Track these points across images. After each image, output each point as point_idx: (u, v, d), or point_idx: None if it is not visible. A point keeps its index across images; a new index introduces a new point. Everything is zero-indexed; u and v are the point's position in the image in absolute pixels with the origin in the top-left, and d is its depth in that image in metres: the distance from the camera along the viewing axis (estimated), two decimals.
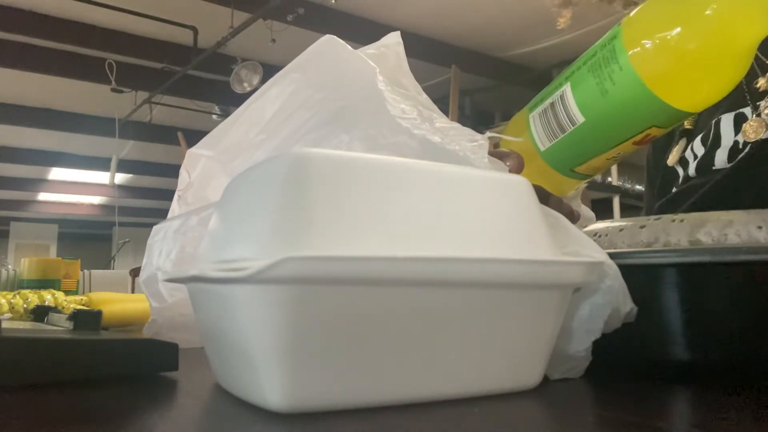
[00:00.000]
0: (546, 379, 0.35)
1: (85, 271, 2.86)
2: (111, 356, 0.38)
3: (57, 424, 0.28)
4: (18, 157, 7.08)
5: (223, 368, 0.34)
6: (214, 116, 5.42)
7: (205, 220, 0.49)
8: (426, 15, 4.17)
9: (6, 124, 5.81)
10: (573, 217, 0.52)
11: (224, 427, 0.28)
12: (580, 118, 0.46)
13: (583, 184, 0.53)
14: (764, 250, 0.33)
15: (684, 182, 0.74)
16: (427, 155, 0.37)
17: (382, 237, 0.29)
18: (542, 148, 0.49)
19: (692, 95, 0.43)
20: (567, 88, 0.46)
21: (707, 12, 0.40)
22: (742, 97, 0.68)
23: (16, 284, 1.22)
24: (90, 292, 0.87)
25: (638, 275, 0.36)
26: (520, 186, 0.35)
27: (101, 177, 7.61)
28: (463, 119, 4.87)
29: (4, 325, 0.40)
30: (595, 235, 0.41)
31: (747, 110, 0.68)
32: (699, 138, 0.72)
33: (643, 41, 0.42)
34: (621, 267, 0.35)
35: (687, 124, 0.75)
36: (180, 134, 3.96)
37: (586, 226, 0.43)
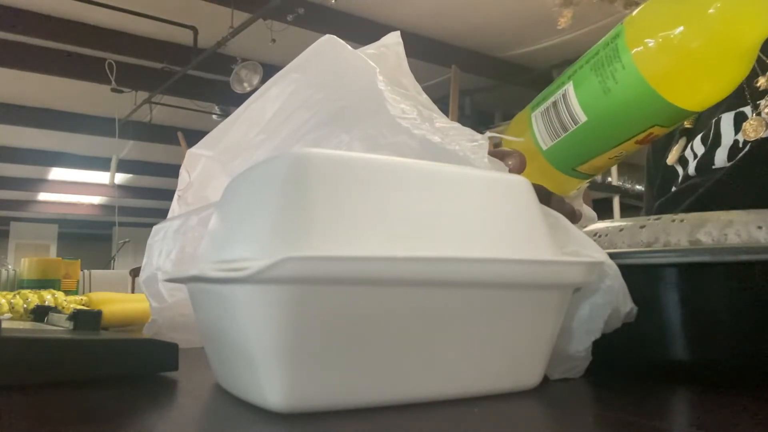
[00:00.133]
0: (546, 379, 0.35)
1: (85, 271, 2.86)
2: (111, 356, 0.38)
3: (57, 424, 0.28)
4: (18, 157, 7.08)
5: (223, 368, 0.34)
6: (214, 116, 5.42)
7: (205, 220, 0.49)
8: (426, 15, 4.17)
9: (6, 124, 5.81)
10: (574, 216, 0.52)
11: (224, 427, 0.28)
12: (582, 117, 0.45)
13: (585, 184, 0.53)
14: (764, 250, 0.33)
15: (684, 181, 0.74)
16: (427, 155, 0.37)
17: (382, 237, 0.29)
18: (544, 147, 0.49)
19: (695, 94, 0.43)
20: (569, 87, 0.46)
21: (710, 11, 0.40)
22: (742, 96, 0.68)
23: (16, 284, 1.22)
24: (90, 292, 0.87)
25: (638, 275, 0.36)
26: (520, 186, 0.35)
27: (101, 177, 7.61)
28: (463, 119, 4.85)
29: (4, 325, 0.40)
30: (595, 235, 0.41)
31: (747, 109, 0.68)
32: (699, 137, 0.72)
33: (646, 40, 0.42)
34: (621, 267, 0.35)
35: (687, 124, 0.75)
36: (180, 134, 3.96)
37: (587, 226, 0.43)
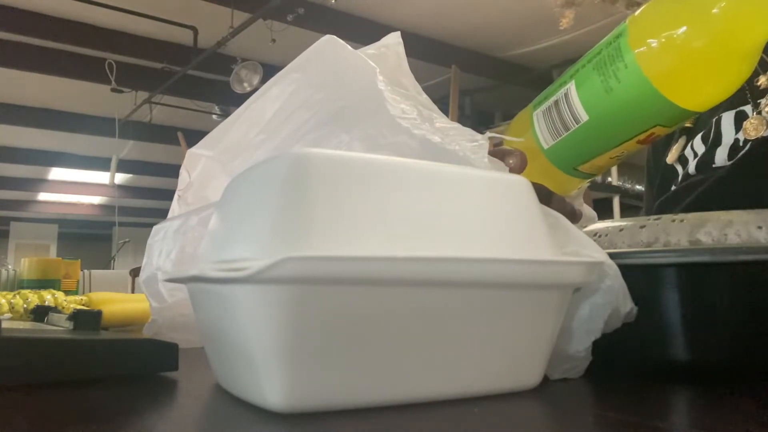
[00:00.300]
0: (546, 379, 0.35)
1: (85, 271, 2.87)
2: (111, 356, 0.38)
3: (57, 424, 0.28)
4: (18, 157, 7.09)
5: (223, 368, 0.34)
6: (214, 116, 5.42)
7: (205, 220, 0.49)
8: (426, 15, 4.17)
9: (6, 124, 5.81)
10: (575, 216, 0.52)
11: (224, 427, 0.28)
12: (584, 116, 0.45)
13: (586, 183, 0.53)
14: (764, 250, 0.33)
15: (683, 180, 0.74)
16: (427, 155, 0.37)
17: (382, 237, 0.29)
18: (545, 146, 0.49)
19: (697, 94, 0.43)
20: (571, 86, 0.46)
21: (714, 11, 0.40)
22: (742, 95, 0.68)
23: (16, 284, 1.22)
24: (90, 292, 0.87)
25: (638, 275, 0.36)
26: (520, 186, 0.35)
27: (101, 177, 7.61)
28: (463, 119, 4.87)
29: (4, 325, 0.40)
30: (595, 235, 0.41)
31: (748, 108, 0.68)
32: (699, 136, 0.72)
33: (648, 39, 0.42)
34: (621, 267, 0.35)
35: (687, 123, 0.75)
36: (180, 134, 3.96)
37: (588, 226, 0.43)
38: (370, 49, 0.45)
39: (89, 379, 0.37)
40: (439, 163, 0.33)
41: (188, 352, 0.41)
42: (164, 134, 5.93)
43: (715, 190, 0.67)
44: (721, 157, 0.68)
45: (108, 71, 4.57)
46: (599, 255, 0.35)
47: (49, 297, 0.78)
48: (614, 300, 0.35)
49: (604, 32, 0.46)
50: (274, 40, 3.84)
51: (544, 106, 0.49)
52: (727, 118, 0.69)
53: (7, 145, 6.89)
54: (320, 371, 0.28)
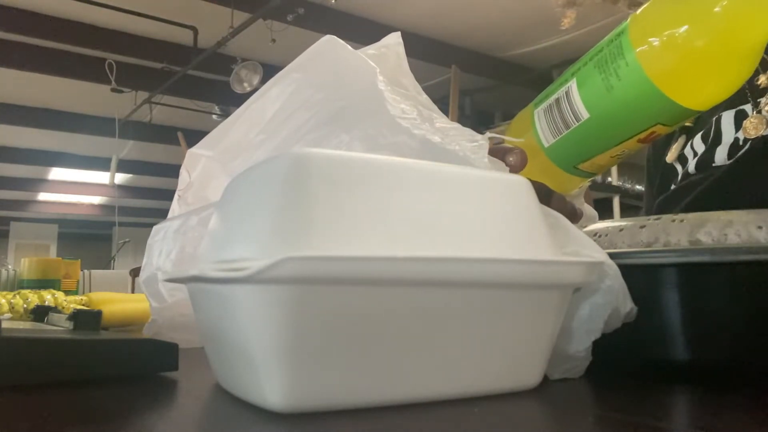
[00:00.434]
0: (546, 379, 0.35)
1: (85, 271, 2.87)
2: (111, 356, 0.38)
3: (57, 424, 0.28)
4: (18, 157, 7.09)
5: (223, 368, 0.34)
6: (214, 116, 5.42)
7: (205, 220, 0.49)
8: (426, 15, 4.17)
9: (6, 124, 5.81)
10: (575, 215, 0.52)
11: (224, 427, 0.28)
12: (584, 114, 0.45)
13: (587, 183, 0.53)
14: (764, 250, 0.33)
15: (683, 179, 0.74)
16: (427, 155, 0.37)
17: (382, 237, 0.29)
18: (546, 145, 0.49)
19: (698, 93, 0.43)
20: (573, 84, 0.46)
21: (716, 9, 0.40)
22: (742, 94, 0.68)
23: (16, 284, 1.22)
24: (90, 292, 0.87)
25: (638, 275, 0.36)
26: (520, 186, 0.35)
27: (101, 177, 7.61)
28: (463, 119, 4.87)
29: (4, 325, 0.40)
30: (595, 235, 0.41)
31: (748, 107, 0.68)
32: (699, 135, 0.72)
33: (650, 38, 0.42)
34: (621, 267, 0.35)
35: (687, 122, 0.75)
36: (180, 134, 3.97)
37: (588, 225, 0.43)
38: (371, 49, 0.45)
39: (89, 379, 0.37)
40: (439, 163, 0.33)
41: (188, 352, 0.41)
42: (164, 134, 5.94)
43: (715, 189, 0.67)
44: (720, 156, 0.68)
45: (108, 71, 4.57)
46: (599, 255, 0.35)
47: (49, 297, 0.78)
48: (614, 300, 0.35)
49: (604, 32, 0.46)
50: (274, 40, 3.84)
51: (545, 104, 0.49)
52: (727, 117, 0.69)
53: (7, 145, 6.89)
54: (320, 371, 0.28)
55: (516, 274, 0.31)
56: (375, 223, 0.29)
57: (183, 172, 0.53)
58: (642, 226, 0.39)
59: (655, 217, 0.39)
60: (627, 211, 5.23)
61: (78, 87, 5.08)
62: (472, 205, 0.32)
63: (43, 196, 9.45)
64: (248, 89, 4.23)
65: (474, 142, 0.38)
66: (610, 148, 0.47)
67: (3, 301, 0.73)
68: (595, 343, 0.35)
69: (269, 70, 4.09)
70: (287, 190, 0.29)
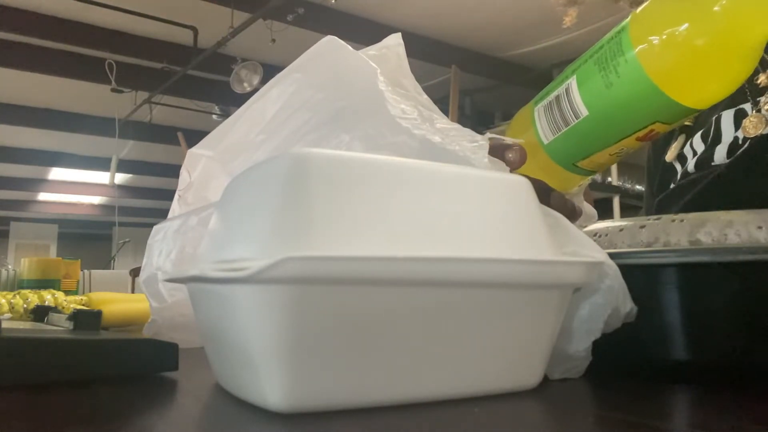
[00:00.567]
0: (546, 379, 0.35)
1: (85, 271, 2.86)
2: (111, 356, 0.38)
3: (57, 424, 0.28)
4: (18, 157, 7.08)
5: (223, 368, 0.34)
6: (214, 116, 5.42)
7: (205, 220, 0.49)
8: (426, 15, 4.17)
9: (6, 124, 5.81)
10: (575, 213, 0.51)
11: (224, 427, 0.28)
12: (584, 111, 0.45)
13: (587, 181, 0.53)
14: (764, 250, 0.33)
15: (682, 178, 0.74)
16: (427, 155, 0.37)
17: (382, 237, 0.29)
18: (545, 142, 0.49)
19: (698, 92, 0.43)
20: (572, 81, 0.46)
21: (715, 8, 0.40)
22: (742, 93, 0.68)
23: (16, 284, 1.22)
24: (90, 292, 0.87)
25: (638, 275, 0.36)
26: (520, 186, 0.35)
27: (101, 177, 7.61)
28: (463, 119, 4.87)
29: (4, 325, 0.40)
30: (595, 235, 0.41)
31: (747, 106, 0.68)
32: (699, 134, 0.72)
33: (650, 36, 0.42)
34: (621, 267, 0.35)
35: (687, 121, 0.75)
36: (180, 134, 3.96)
37: (588, 224, 0.43)
38: (371, 50, 0.45)
39: (89, 379, 0.37)
40: (439, 163, 0.33)
41: (188, 352, 0.41)
42: (164, 134, 5.93)
43: (714, 188, 0.67)
44: (720, 155, 0.69)
45: (108, 71, 4.56)
46: (599, 255, 0.35)
47: (49, 297, 0.78)
48: (614, 300, 0.35)
49: (604, 31, 0.46)
50: (274, 40, 3.83)
51: (545, 102, 0.49)
52: (727, 117, 0.69)
53: (7, 145, 6.88)
54: (320, 371, 0.28)
55: (516, 274, 0.31)
56: (375, 223, 0.29)
57: (183, 172, 0.53)
58: (642, 226, 0.39)
59: (655, 217, 0.39)
60: (627, 211, 5.23)
61: (78, 87, 5.07)
62: (472, 205, 0.32)
63: (43, 196, 9.44)
64: (248, 89, 4.23)
65: (474, 143, 0.38)
66: (608, 145, 0.47)
67: (3, 301, 0.73)
68: (595, 343, 0.36)
69: (269, 70, 4.09)
70: (287, 190, 0.29)
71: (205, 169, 0.53)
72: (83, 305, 0.78)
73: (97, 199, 9.51)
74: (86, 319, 0.44)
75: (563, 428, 0.29)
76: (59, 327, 0.47)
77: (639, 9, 0.44)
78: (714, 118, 0.71)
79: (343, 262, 0.27)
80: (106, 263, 6.21)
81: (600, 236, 0.41)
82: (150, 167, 7.60)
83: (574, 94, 0.46)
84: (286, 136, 0.47)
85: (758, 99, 0.67)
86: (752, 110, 0.67)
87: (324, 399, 0.28)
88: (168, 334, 0.49)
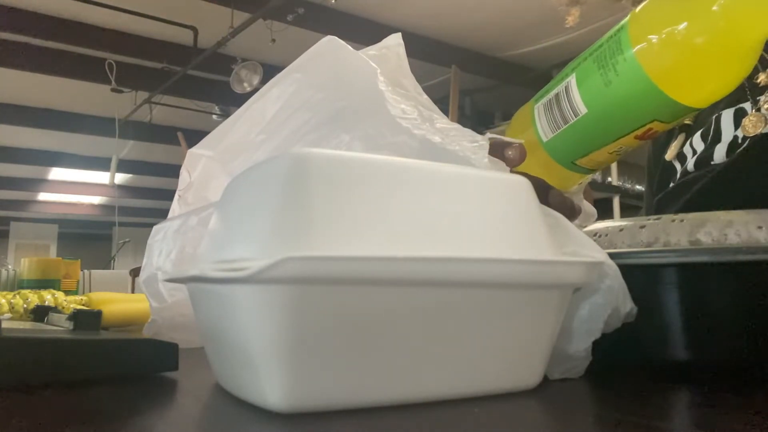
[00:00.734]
0: (546, 379, 0.35)
1: (85, 271, 2.87)
2: (111, 356, 0.38)
3: (57, 424, 0.28)
4: (18, 157, 7.08)
5: (223, 368, 0.34)
6: (214, 116, 5.42)
7: (205, 220, 0.49)
8: (426, 15, 4.17)
9: (6, 124, 5.81)
10: (574, 211, 0.51)
11: (224, 427, 0.28)
12: (582, 109, 0.45)
13: (587, 180, 0.53)
14: (764, 250, 0.33)
15: (682, 177, 0.74)
16: (428, 155, 0.37)
17: (382, 237, 0.29)
18: (545, 139, 0.49)
19: (696, 91, 0.43)
20: (572, 79, 0.46)
21: (714, 8, 0.40)
22: (742, 92, 0.68)
23: (16, 284, 1.22)
24: (90, 292, 0.87)
25: (638, 275, 0.36)
26: (520, 186, 0.35)
27: (101, 177, 7.61)
28: (463, 119, 4.87)
29: (4, 325, 0.40)
30: (595, 235, 0.41)
31: (747, 105, 0.68)
32: (698, 133, 0.73)
33: (649, 34, 0.42)
34: (621, 267, 0.35)
35: (687, 120, 0.75)
36: (180, 134, 3.96)
37: (588, 223, 0.43)
38: (372, 50, 0.45)
39: (89, 379, 0.37)
40: (439, 163, 0.33)
41: (188, 352, 0.41)
42: (164, 134, 5.93)
43: (713, 187, 0.67)
44: (719, 154, 0.69)
45: (108, 71, 4.56)
46: (599, 255, 0.35)
47: (49, 297, 0.78)
48: (614, 300, 0.35)
49: (604, 31, 0.46)
50: (274, 40, 3.83)
51: (545, 100, 0.49)
52: (727, 116, 0.69)
53: (7, 145, 6.88)
54: (320, 371, 0.28)
55: (516, 274, 0.31)
56: (375, 223, 0.29)
57: (183, 172, 0.53)
58: (642, 226, 0.39)
59: (655, 217, 0.39)
60: (627, 211, 5.23)
61: (78, 87, 5.07)
62: (472, 205, 0.32)
63: (43, 196, 9.44)
64: (248, 89, 4.22)
65: (474, 143, 0.38)
66: (607, 144, 0.47)
67: (3, 301, 0.73)
68: (595, 343, 0.35)
69: (269, 70, 4.09)
70: (287, 190, 0.29)
71: (205, 169, 0.53)
72: (83, 305, 0.78)
73: (97, 199, 9.51)
74: (86, 319, 0.44)
75: (563, 428, 0.29)
76: (59, 327, 0.47)
77: (639, 7, 0.44)
78: (714, 117, 0.71)
79: (343, 262, 0.27)
80: (106, 263, 6.21)
81: (600, 236, 0.41)
82: (150, 167, 7.60)
83: (574, 92, 0.46)
84: (286, 136, 0.47)
85: (758, 98, 0.67)
86: (752, 109, 0.67)
87: (324, 399, 0.28)
88: (168, 334, 0.49)
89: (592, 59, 0.45)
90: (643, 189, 0.92)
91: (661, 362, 0.37)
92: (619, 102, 0.44)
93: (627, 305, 0.35)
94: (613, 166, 5.17)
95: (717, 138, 0.69)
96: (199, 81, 5.01)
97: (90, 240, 11.32)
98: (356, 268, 0.27)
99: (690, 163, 0.73)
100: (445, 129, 0.39)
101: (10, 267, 1.38)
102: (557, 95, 0.47)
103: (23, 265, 1.12)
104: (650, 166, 0.85)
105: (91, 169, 7.66)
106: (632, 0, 0.69)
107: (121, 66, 4.66)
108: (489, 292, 0.31)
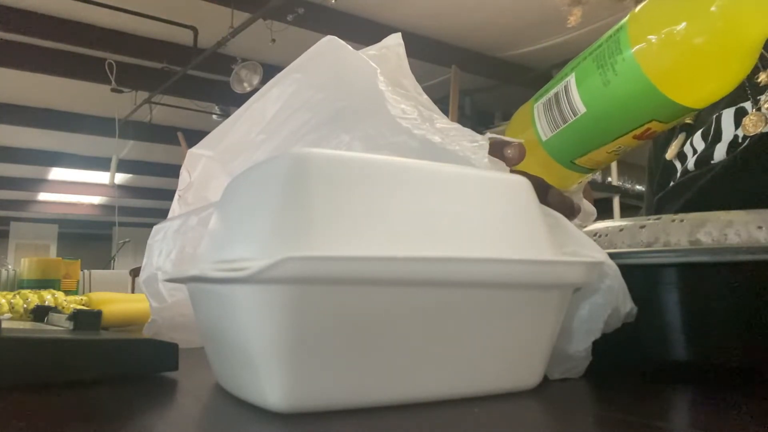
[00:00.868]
0: (546, 379, 0.35)
1: (85, 271, 2.87)
2: (111, 356, 0.38)
3: (57, 424, 0.28)
4: (18, 157, 7.08)
5: (223, 368, 0.34)
6: (214, 116, 5.42)
7: (205, 220, 0.49)
8: (426, 15, 4.17)
9: (6, 124, 5.81)
10: (573, 210, 0.52)
11: (224, 427, 0.28)
12: (581, 109, 0.46)
13: (586, 179, 0.53)
14: (764, 250, 0.33)
15: (682, 176, 0.74)
16: (428, 155, 0.37)
17: (382, 237, 0.29)
18: (544, 138, 0.49)
19: (695, 91, 0.43)
20: (571, 79, 0.46)
21: (713, 8, 0.40)
22: (742, 91, 0.68)
23: (16, 284, 1.22)
24: (90, 292, 0.87)
25: (638, 275, 0.36)
26: (520, 186, 0.35)
27: (101, 177, 7.61)
28: (463, 119, 4.87)
29: (4, 325, 0.40)
30: (595, 235, 0.41)
31: (747, 105, 0.68)
32: (699, 133, 0.73)
33: (648, 34, 0.42)
34: (621, 267, 0.35)
35: (687, 119, 0.75)
36: (180, 134, 3.97)
37: (587, 222, 0.43)
38: (372, 50, 0.45)
39: (89, 379, 0.37)
40: (439, 163, 0.33)
41: (188, 352, 0.41)
42: (164, 134, 5.93)
43: (714, 186, 0.67)
44: (720, 153, 0.69)
45: (108, 71, 4.56)
46: (599, 255, 0.35)
47: (49, 297, 0.78)
48: (614, 300, 0.35)
49: (604, 31, 0.46)
50: (274, 40, 3.84)
51: (544, 99, 0.49)
52: (727, 115, 0.69)
53: (7, 145, 6.88)
54: (320, 371, 0.28)
55: (516, 274, 0.31)
56: (375, 223, 0.29)
57: (183, 172, 0.53)
58: (642, 226, 0.39)
59: (655, 217, 0.39)
60: (627, 211, 5.23)
61: (78, 87, 5.07)
62: (472, 205, 0.32)
63: (43, 196, 9.44)
64: (248, 89, 4.23)
65: (474, 143, 0.38)
66: (606, 143, 0.47)
67: (3, 301, 0.73)
68: (595, 343, 0.35)
69: (269, 70, 4.09)
70: (287, 190, 0.29)
71: (205, 169, 0.53)
72: (83, 305, 0.78)
73: (97, 199, 9.51)
74: (86, 319, 0.44)
75: (563, 428, 0.29)
76: (59, 327, 0.47)
77: (638, 7, 0.44)
78: (714, 116, 0.71)
79: (343, 262, 0.27)
80: (106, 263, 6.21)
81: (600, 236, 0.41)
82: (150, 167, 7.60)
83: (573, 92, 0.46)
84: (286, 136, 0.47)
85: (758, 97, 0.67)
86: (752, 108, 0.67)
87: (324, 399, 0.28)
88: (168, 334, 0.49)
89: (592, 59, 0.45)
90: (643, 189, 0.92)
91: (661, 362, 0.37)
92: (617, 102, 0.44)
93: (627, 305, 0.35)
94: (613, 166, 5.17)
95: (717, 137, 0.70)
96: (199, 81, 5.01)
97: (90, 240, 11.32)
98: (356, 268, 0.27)
99: (690, 162, 0.73)
100: (445, 129, 0.39)
101: (10, 267, 1.38)
102: (556, 95, 0.48)
103: (23, 265, 1.12)
104: (651, 165, 0.85)
105: (91, 169, 7.66)
106: (634, 0, 0.69)
107: (121, 66, 4.66)
108: (489, 292, 0.31)
